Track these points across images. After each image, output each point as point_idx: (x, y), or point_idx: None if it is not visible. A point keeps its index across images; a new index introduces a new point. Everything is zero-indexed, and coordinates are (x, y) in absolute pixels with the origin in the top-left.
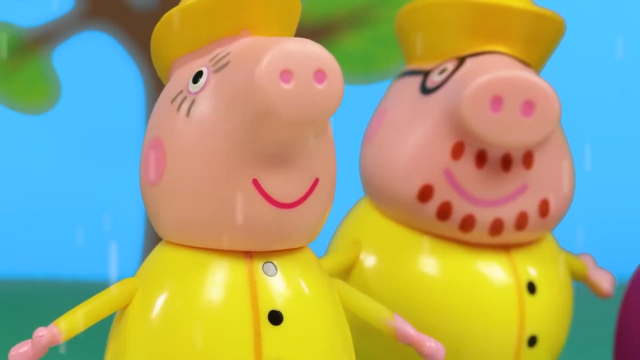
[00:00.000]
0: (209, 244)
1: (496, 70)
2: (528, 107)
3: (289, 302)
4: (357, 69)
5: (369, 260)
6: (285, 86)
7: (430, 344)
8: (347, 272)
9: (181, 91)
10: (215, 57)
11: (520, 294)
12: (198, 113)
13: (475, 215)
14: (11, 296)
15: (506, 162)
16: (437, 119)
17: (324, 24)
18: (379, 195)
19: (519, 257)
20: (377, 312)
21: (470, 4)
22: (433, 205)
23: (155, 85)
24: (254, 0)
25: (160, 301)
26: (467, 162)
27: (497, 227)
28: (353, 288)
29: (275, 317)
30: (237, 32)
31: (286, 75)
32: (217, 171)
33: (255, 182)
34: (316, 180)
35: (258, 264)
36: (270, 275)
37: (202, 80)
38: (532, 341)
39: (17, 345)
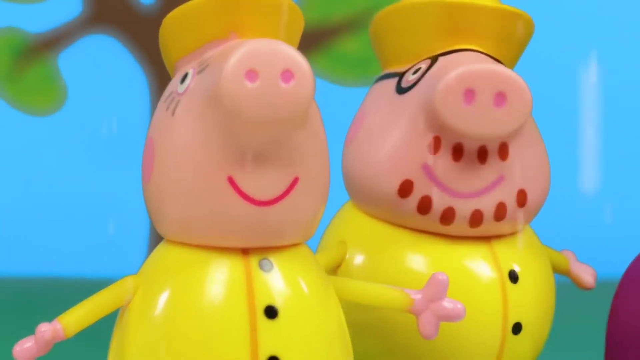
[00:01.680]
0: (200, 241)
1: (468, 64)
2: (500, 98)
3: (284, 297)
4: (356, 72)
5: (354, 258)
6: (250, 85)
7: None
8: (333, 271)
9: (172, 92)
10: (202, 59)
11: (503, 282)
12: (179, 113)
13: (455, 208)
14: (19, 294)
15: (482, 154)
16: (413, 116)
17: (323, 27)
18: (361, 194)
19: (499, 247)
20: (392, 296)
21: (441, 4)
22: (413, 200)
23: (159, 87)
24: (239, 4)
25: (159, 297)
26: (444, 156)
27: (476, 218)
28: (353, 280)
29: (271, 312)
30: (225, 35)
31: (251, 74)
32: (193, 169)
33: (230, 180)
34: (296, 179)
35: (254, 260)
36: (266, 271)
37: (186, 82)
38: (517, 328)
39: (22, 341)
